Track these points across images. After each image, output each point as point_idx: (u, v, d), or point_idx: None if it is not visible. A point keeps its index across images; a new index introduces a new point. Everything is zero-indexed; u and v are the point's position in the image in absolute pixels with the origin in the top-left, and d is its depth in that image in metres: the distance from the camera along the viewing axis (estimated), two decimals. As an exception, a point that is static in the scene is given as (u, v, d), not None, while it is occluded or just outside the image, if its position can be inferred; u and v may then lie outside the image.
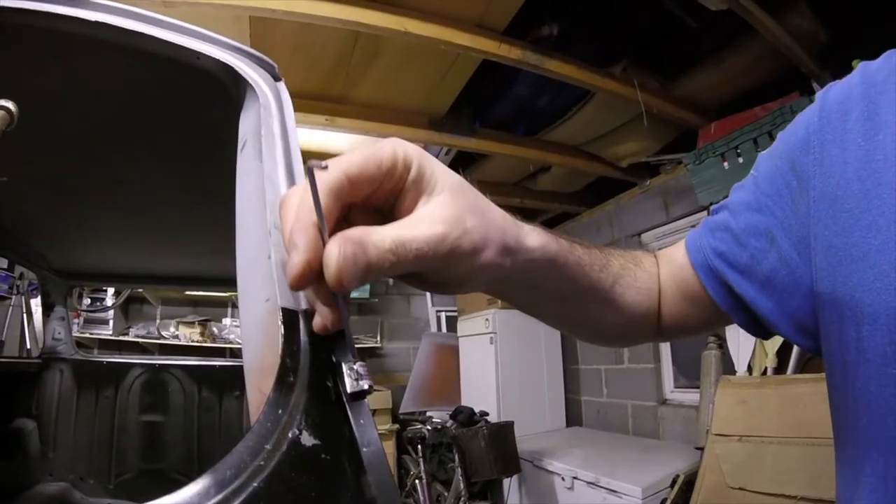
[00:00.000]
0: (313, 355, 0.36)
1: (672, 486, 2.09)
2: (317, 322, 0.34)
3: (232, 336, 4.08)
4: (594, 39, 2.21)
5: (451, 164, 3.19)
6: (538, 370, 3.74)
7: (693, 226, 2.76)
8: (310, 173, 0.30)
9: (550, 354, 3.82)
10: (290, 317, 0.38)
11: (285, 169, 0.58)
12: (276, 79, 0.78)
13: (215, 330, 4.09)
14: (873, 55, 0.46)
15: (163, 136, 1.01)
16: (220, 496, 0.26)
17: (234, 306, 4.35)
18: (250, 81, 0.72)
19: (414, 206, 0.35)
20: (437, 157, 3.07)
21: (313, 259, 0.30)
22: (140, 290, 3.78)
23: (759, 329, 0.50)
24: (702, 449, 1.95)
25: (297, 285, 0.31)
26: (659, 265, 0.58)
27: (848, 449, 0.42)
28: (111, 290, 3.77)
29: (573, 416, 3.79)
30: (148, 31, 0.65)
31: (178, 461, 1.87)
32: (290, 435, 0.30)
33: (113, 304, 3.76)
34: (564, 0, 2.07)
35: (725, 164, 2.24)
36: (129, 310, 4.15)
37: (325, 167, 0.31)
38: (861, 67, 0.45)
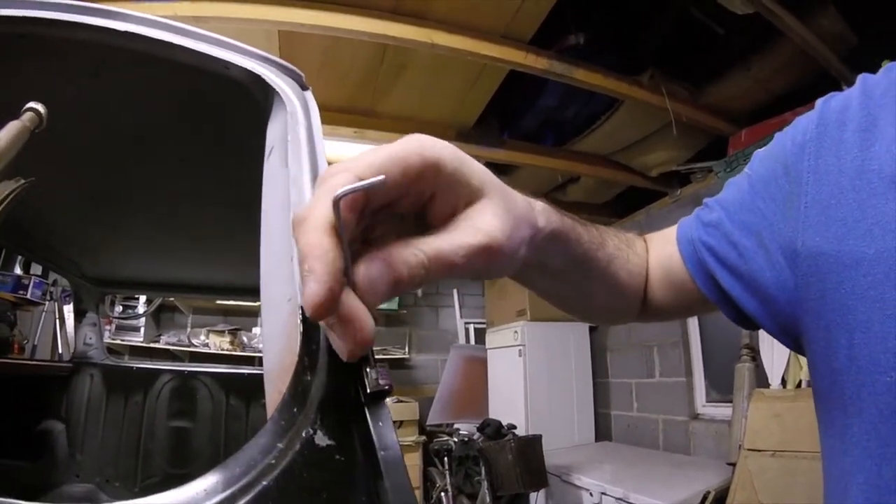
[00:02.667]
0: (332, 355, 0.34)
1: (703, 502, 2.02)
2: (341, 348, 0.30)
3: (261, 345, 4.13)
4: (621, 48, 2.20)
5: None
6: (567, 383, 3.68)
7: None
8: (335, 204, 0.27)
9: (580, 367, 3.75)
10: (308, 321, 0.38)
11: (311, 174, 0.59)
12: (304, 88, 0.79)
13: (245, 339, 4.15)
14: None
15: (193, 145, 1.04)
16: (227, 493, 0.26)
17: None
18: (277, 90, 0.73)
19: (450, 210, 0.33)
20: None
21: (335, 286, 0.27)
22: (171, 298, 3.86)
23: (747, 322, 0.50)
24: (734, 464, 1.89)
25: (317, 315, 0.27)
26: (648, 250, 0.59)
27: (836, 457, 0.41)
28: (143, 299, 3.86)
29: (603, 431, 3.72)
30: (178, 42, 0.67)
31: (205, 467, 1.88)
32: (303, 434, 0.30)
33: (144, 312, 3.85)
34: (590, 9, 2.06)
35: (758, 172, 2.19)
36: (160, 318, 4.25)
37: (350, 192, 0.27)
38: (861, 80, 0.46)
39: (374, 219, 0.32)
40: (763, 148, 0.51)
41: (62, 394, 1.87)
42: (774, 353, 2.05)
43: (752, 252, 0.47)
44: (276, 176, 0.64)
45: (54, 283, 3.04)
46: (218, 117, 0.92)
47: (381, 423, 0.33)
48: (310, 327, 0.37)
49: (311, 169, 0.60)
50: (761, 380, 2.15)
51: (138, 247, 1.66)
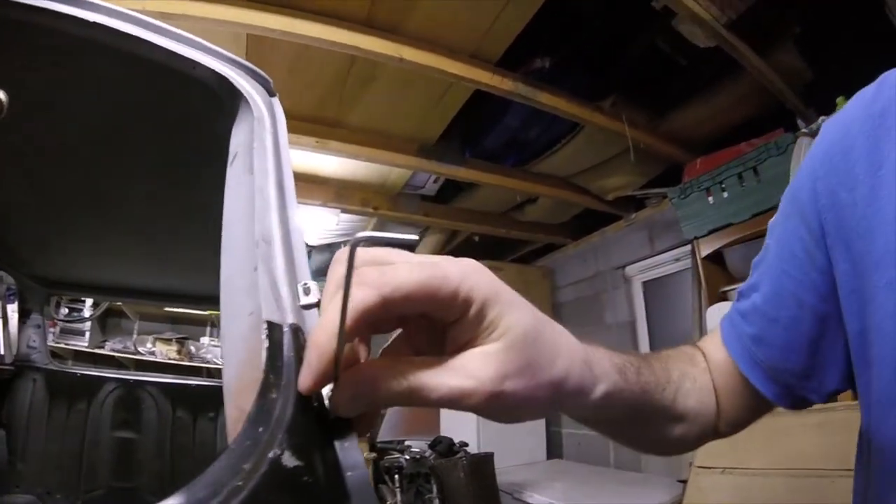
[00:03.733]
0: (298, 372, 0.33)
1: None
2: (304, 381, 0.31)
3: (209, 356, 4.00)
4: (585, 74, 2.26)
5: (440, 192, 3.21)
6: (520, 401, 3.69)
7: (677, 259, 2.76)
8: (350, 251, 0.28)
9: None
10: (274, 330, 0.36)
11: (276, 183, 0.57)
12: (271, 94, 0.78)
13: (192, 348, 4.01)
14: (854, 92, 0.47)
15: (154, 147, 1.00)
16: None
17: (213, 325, 4.28)
18: (245, 94, 0.72)
19: (463, 342, 0.32)
20: (425, 184, 3.11)
21: (321, 380, 0.30)
22: (119, 303, 3.71)
23: (807, 403, 0.51)
24: (685, 482, 1.93)
25: (304, 391, 0.30)
26: (707, 360, 0.57)
27: (870, 490, 0.43)
28: (89, 302, 3.70)
29: (554, 449, 3.74)
30: (145, 37, 0.65)
31: (150, 481, 1.80)
32: (270, 455, 0.28)
33: (91, 316, 3.68)
34: (557, 35, 2.12)
35: (710, 198, 2.27)
36: (106, 323, 4.07)
37: (365, 238, 0.28)
38: (857, 98, 0.45)
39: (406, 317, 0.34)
40: (776, 215, 0.52)
41: (2, 398, 1.76)
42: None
43: (797, 319, 0.48)
44: (239, 183, 0.63)
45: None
46: (181, 118, 0.89)
47: (346, 444, 0.32)
48: (275, 344, 0.36)
49: (277, 178, 0.59)
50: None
51: (90, 248, 1.58)
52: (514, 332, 0.32)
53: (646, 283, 3.21)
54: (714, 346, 0.57)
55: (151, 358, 3.85)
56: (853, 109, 0.45)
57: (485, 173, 2.83)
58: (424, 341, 0.34)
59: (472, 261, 0.32)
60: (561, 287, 3.92)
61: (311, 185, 2.89)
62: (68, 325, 3.72)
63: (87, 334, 3.78)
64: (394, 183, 3.04)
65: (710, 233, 2.32)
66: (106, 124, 0.90)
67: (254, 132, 0.66)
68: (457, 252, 3.95)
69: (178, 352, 3.96)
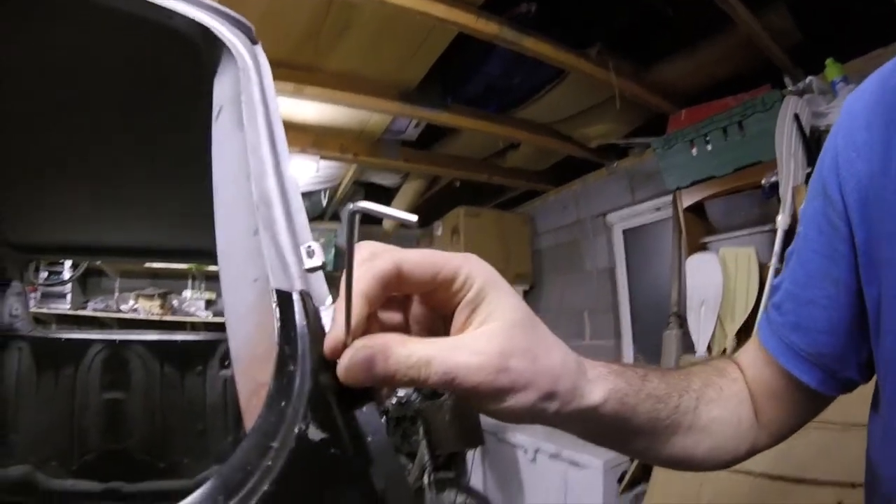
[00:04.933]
0: (312, 340, 0.34)
1: (632, 461, 2.16)
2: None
3: (192, 308, 3.98)
4: (571, 21, 2.20)
5: (420, 138, 3.16)
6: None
7: (658, 209, 2.79)
8: (350, 219, 0.29)
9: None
10: (285, 299, 0.36)
11: (268, 139, 0.55)
12: (254, 42, 0.74)
13: (175, 303, 3.98)
14: (843, 56, 0.48)
15: (131, 102, 0.95)
16: None
17: (195, 278, 4.24)
18: (227, 43, 0.68)
19: (465, 327, 0.34)
20: (406, 129, 3.04)
21: (340, 341, 0.32)
22: (98, 262, 3.63)
23: (852, 385, 0.51)
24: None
25: (330, 358, 0.32)
26: (743, 370, 0.56)
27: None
28: (68, 263, 3.61)
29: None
30: (117, -14, 0.60)
31: (142, 441, 1.81)
32: (296, 430, 0.28)
33: (71, 278, 3.61)
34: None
35: (694, 150, 2.28)
36: (87, 283, 4.00)
37: (362, 209, 0.29)
38: (878, 73, 0.46)
39: (413, 304, 0.36)
40: (804, 201, 0.52)
41: (-11, 370, 1.74)
42: (701, 323, 2.18)
43: (833, 297, 0.47)
44: (228, 139, 0.60)
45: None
46: (159, 72, 0.84)
47: (364, 410, 0.32)
48: (286, 314, 0.35)
49: (268, 133, 0.57)
50: (688, 346, 2.29)
51: (69, 209, 1.53)
52: (515, 315, 0.34)
53: (626, 231, 3.24)
54: (750, 354, 0.56)
55: (135, 315, 3.81)
56: (872, 83, 0.45)
57: (467, 118, 2.78)
58: (426, 333, 0.36)
59: (473, 254, 0.35)
60: (541, 233, 3.95)
61: (289, 132, 2.69)
62: (49, 288, 3.64)
63: (69, 296, 3.72)
64: (373, 129, 2.96)
65: (693, 184, 2.34)
66: (80, 80, 0.85)
67: (240, 84, 0.63)
68: (437, 197, 3.93)
69: (161, 307, 3.93)
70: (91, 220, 1.64)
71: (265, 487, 0.25)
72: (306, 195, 3.60)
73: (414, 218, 0.30)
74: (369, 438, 0.31)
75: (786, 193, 1.88)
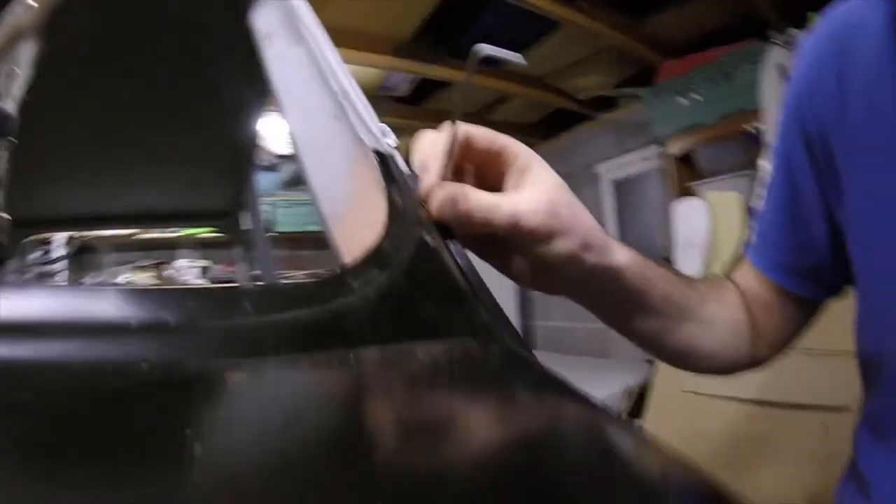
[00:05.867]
0: (410, 186, 0.41)
1: (626, 397, 2.28)
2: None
3: (187, 277, 3.98)
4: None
5: (413, 91, 3.15)
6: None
7: (645, 159, 2.85)
8: (471, 60, 0.35)
9: (504, 280, 3.94)
10: (383, 157, 0.44)
11: (329, 47, 0.58)
12: None
13: (171, 272, 3.97)
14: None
15: (133, 54, 0.94)
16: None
17: (185, 247, 4.20)
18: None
19: (517, 189, 0.41)
20: (399, 85, 3.03)
21: (434, 183, 0.38)
22: (89, 237, 3.56)
23: (842, 289, 0.56)
24: (652, 361, 2.13)
25: (425, 199, 0.38)
26: (738, 286, 0.59)
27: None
28: (61, 240, 3.51)
29: (526, 340, 3.98)
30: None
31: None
32: (416, 235, 0.35)
33: (67, 255, 3.50)
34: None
35: (682, 100, 2.34)
36: (81, 259, 3.96)
37: (485, 52, 0.35)
38: (828, 14, 0.51)
39: (467, 180, 0.42)
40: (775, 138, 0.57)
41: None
42: (690, 265, 2.28)
43: (810, 212, 0.53)
44: (287, 57, 0.64)
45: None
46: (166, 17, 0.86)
47: (453, 244, 0.38)
48: (387, 166, 0.43)
49: (327, 43, 0.59)
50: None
51: (66, 178, 1.46)
52: (556, 180, 0.41)
53: (615, 182, 3.32)
54: (741, 276, 0.60)
55: (132, 288, 3.79)
56: (825, 24, 0.51)
57: (460, 72, 2.78)
58: None
59: None
60: (531, 188, 3.99)
61: None
62: (43, 267, 3.56)
63: (65, 274, 3.67)
64: (368, 85, 2.96)
65: (681, 132, 2.41)
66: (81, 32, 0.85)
67: (286, 10, 0.66)
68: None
69: (157, 277, 3.92)
70: (90, 188, 1.58)
71: (397, 271, 0.32)
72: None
73: (524, 60, 0.37)
74: (463, 265, 0.36)
75: (770, 139, 1.96)
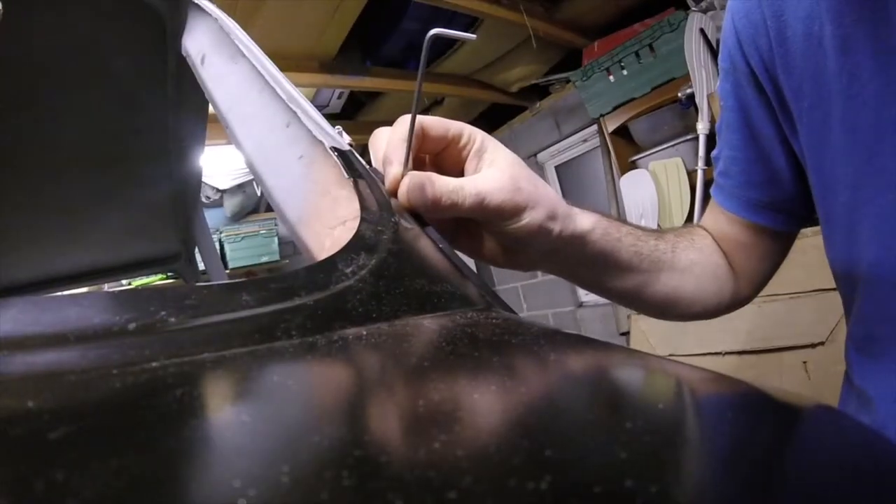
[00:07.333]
0: (374, 177, 0.41)
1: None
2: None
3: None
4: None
5: (344, 107, 3.13)
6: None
7: (585, 140, 2.91)
8: (427, 44, 0.34)
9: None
10: (342, 154, 0.42)
11: (268, 61, 0.58)
12: None
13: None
14: None
15: (64, 92, 0.88)
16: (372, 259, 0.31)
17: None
18: (196, 1, 0.69)
19: (476, 171, 0.42)
20: (329, 102, 3.00)
21: (399, 173, 0.39)
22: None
23: (811, 218, 0.55)
24: (627, 333, 2.18)
25: (390, 189, 0.39)
26: (707, 232, 0.60)
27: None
28: None
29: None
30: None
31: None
32: (394, 219, 0.35)
33: None
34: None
35: (611, 77, 2.41)
36: None
37: (438, 34, 0.35)
38: None
39: (428, 168, 0.43)
40: (719, 81, 0.58)
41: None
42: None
43: (769, 147, 0.54)
44: (225, 73, 0.63)
45: None
46: (106, 51, 0.81)
47: (428, 227, 0.39)
48: (348, 161, 0.42)
49: (265, 58, 0.59)
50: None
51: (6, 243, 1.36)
52: (513, 157, 0.42)
53: (558, 167, 3.38)
54: (710, 219, 0.61)
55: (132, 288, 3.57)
56: None
57: (389, 80, 2.78)
58: None
59: None
60: (478, 187, 4.02)
61: (213, 123, 2.69)
62: None
63: None
64: (298, 109, 2.91)
65: (615, 109, 2.47)
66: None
67: (219, 30, 0.65)
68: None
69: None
70: (34, 251, 1.49)
71: (384, 254, 0.31)
72: (238, 188, 3.49)
73: (474, 36, 0.37)
74: (443, 245, 0.37)
75: (702, 102, 2.04)
